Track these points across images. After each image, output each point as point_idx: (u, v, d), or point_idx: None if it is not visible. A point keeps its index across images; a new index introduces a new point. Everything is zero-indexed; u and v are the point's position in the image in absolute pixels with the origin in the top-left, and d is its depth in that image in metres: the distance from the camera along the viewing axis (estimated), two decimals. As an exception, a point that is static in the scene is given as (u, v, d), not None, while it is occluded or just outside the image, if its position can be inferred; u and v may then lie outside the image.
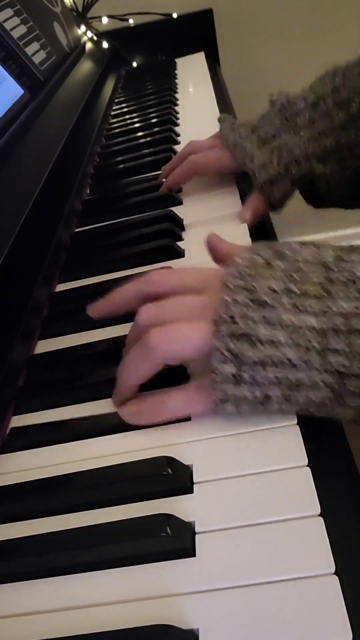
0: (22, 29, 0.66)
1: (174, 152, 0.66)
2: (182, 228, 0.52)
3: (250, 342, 0.28)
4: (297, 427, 0.30)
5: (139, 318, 0.33)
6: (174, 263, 0.47)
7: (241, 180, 0.55)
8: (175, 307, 0.32)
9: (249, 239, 0.46)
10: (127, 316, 0.42)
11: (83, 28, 0.98)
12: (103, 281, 0.47)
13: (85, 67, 0.87)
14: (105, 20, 1.10)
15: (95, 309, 0.38)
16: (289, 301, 0.28)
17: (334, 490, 0.27)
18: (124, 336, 0.39)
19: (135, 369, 0.32)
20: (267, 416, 0.31)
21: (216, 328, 0.29)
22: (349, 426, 0.30)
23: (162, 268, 0.39)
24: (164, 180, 0.59)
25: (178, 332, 0.30)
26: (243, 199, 0.53)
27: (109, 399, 0.35)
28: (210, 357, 0.29)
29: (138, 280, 0.35)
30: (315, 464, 0.28)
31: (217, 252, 0.36)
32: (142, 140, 0.73)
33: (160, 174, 0.60)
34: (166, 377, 0.33)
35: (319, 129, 0.48)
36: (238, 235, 0.47)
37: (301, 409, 0.29)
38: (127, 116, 0.84)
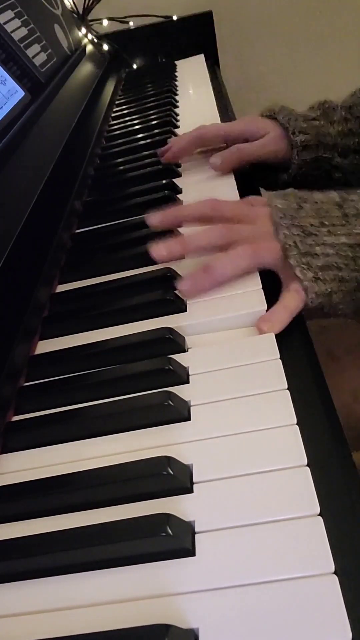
0: (23, 31, 0.67)
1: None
2: (182, 230, 0.52)
3: (312, 256, 0.38)
4: (297, 427, 0.30)
5: (222, 231, 0.42)
6: (174, 263, 0.47)
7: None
8: (245, 231, 0.42)
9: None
10: (127, 317, 0.42)
11: (83, 30, 0.98)
12: (103, 282, 0.47)
13: (86, 69, 0.87)
14: (105, 22, 1.11)
15: (156, 218, 0.45)
16: (325, 230, 0.39)
17: (334, 490, 0.27)
18: (124, 336, 0.39)
19: (234, 264, 0.40)
20: (267, 416, 0.31)
21: (288, 251, 0.39)
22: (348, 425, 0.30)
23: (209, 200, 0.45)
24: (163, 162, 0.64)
25: (259, 251, 0.40)
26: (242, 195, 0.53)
27: (109, 399, 0.36)
28: (295, 270, 0.38)
29: (203, 204, 0.44)
30: (314, 463, 0.28)
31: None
32: (142, 142, 0.73)
33: (160, 182, 0.60)
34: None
35: (350, 126, 0.57)
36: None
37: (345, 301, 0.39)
38: (128, 118, 0.84)
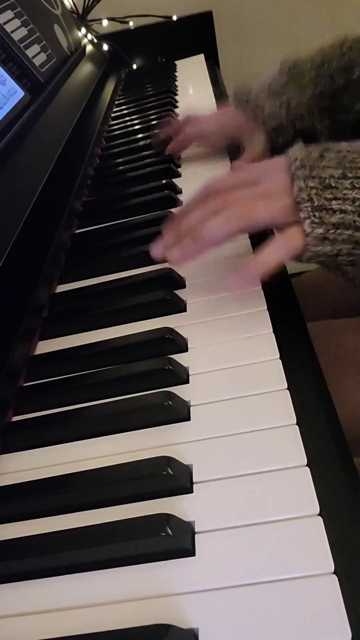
0: (23, 31, 0.67)
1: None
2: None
3: (327, 211, 0.35)
4: (297, 427, 0.30)
5: (211, 203, 0.39)
6: (174, 264, 0.47)
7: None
8: (240, 195, 0.38)
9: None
10: (127, 316, 0.42)
11: (83, 30, 0.98)
12: (103, 282, 0.47)
13: (86, 69, 0.87)
14: (105, 22, 1.11)
15: (160, 246, 0.41)
16: (347, 182, 0.35)
17: (333, 490, 0.27)
18: (124, 336, 0.39)
19: (223, 228, 0.38)
20: (267, 416, 0.31)
21: (300, 204, 0.35)
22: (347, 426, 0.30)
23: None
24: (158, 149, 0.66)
25: (270, 204, 0.37)
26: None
27: (109, 400, 0.36)
28: (303, 224, 0.35)
29: (198, 193, 0.41)
30: (314, 463, 0.28)
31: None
32: (142, 142, 0.73)
33: (160, 182, 0.61)
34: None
35: (321, 88, 0.55)
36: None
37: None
38: (127, 118, 0.84)
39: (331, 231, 0.35)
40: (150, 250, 0.42)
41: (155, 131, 0.68)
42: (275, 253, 0.37)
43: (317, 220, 0.35)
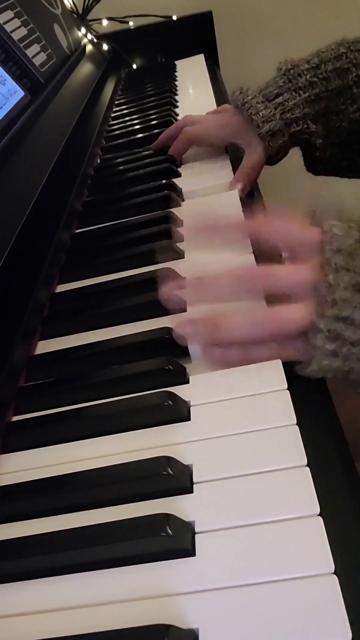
0: (23, 31, 0.67)
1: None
2: (182, 230, 0.52)
3: (349, 323, 0.30)
4: (297, 427, 0.30)
5: (242, 275, 0.34)
6: (174, 264, 0.47)
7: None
8: (279, 279, 0.33)
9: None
10: (127, 316, 0.42)
11: (83, 30, 0.98)
12: (103, 282, 0.47)
13: (86, 69, 0.87)
14: (105, 22, 1.11)
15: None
16: None
17: (334, 490, 0.27)
18: (124, 336, 0.39)
19: (239, 327, 0.33)
20: (267, 416, 0.31)
21: (321, 311, 0.30)
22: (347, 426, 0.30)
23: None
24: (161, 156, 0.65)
25: (285, 313, 0.32)
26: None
27: (109, 400, 0.36)
28: (313, 337, 0.31)
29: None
30: (314, 463, 0.28)
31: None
32: (142, 142, 0.73)
33: (160, 182, 0.61)
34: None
35: (316, 91, 0.54)
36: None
37: None
38: (127, 118, 0.84)
39: (344, 349, 0.30)
40: (161, 295, 0.38)
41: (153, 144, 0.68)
42: (266, 354, 0.33)
43: (330, 334, 0.30)
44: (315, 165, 0.62)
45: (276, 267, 0.34)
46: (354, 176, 0.65)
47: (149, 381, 0.35)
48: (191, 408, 0.33)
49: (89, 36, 1.01)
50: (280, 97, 0.55)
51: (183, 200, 0.57)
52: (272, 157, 0.57)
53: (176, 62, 1.09)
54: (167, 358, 0.36)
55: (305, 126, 0.55)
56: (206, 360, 0.35)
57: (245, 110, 0.56)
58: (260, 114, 0.55)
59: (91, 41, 1.01)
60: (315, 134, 0.56)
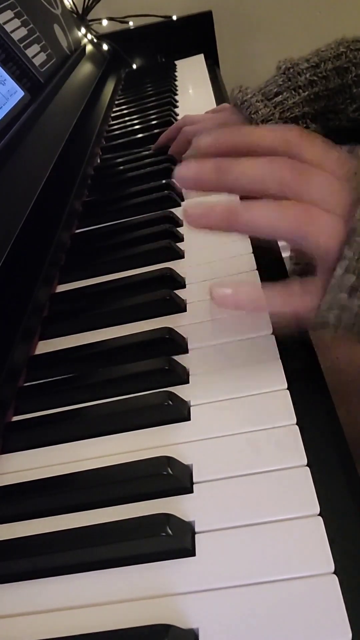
0: (23, 31, 0.66)
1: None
2: (182, 230, 0.52)
3: None
4: (297, 427, 0.30)
5: (277, 168, 0.29)
6: (174, 264, 0.47)
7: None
8: (316, 182, 0.29)
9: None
10: (127, 316, 0.42)
11: (83, 30, 0.98)
12: (103, 282, 0.47)
13: (86, 69, 0.87)
14: (105, 22, 1.11)
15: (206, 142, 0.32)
16: None
17: (334, 490, 0.27)
18: (124, 336, 0.39)
19: (252, 222, 0.29)
20: (267, 416, 0.31)
21: (352, 238, 0.28)
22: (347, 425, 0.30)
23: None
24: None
25: (316, 220, 0.28)
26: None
27: (109, 399, 0.35)
28: (337, 263, 0.28)
29: (275, 133, 0.31)
30: (314, 463, 0.28)
31: None
32: (142, 142, 0.73)
33: (160, 182, 0.61)
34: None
35: (316, 90, 0.54)
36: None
37: None
38: (127, 118, 0.84)
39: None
40: (176, 170, 0.31)
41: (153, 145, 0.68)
42: (281, 304, 0.31)
43: (354, 272, 0.27)
44: None
45: (313, 169, 0.29)
46: None
47: (149, 381, 0.35)
48: (191, 408, 0.33)
49: (89, 36, 1.01)
50: (280, 95, 0.55)
51: (183, 200, 0.57)
52: None
53: (176, 62, 1.09)
54: (167, 358, 0.36)
55: (305, 125, 0.55)
56: (215, 301, 0.31)
57: (244, 108, 0.56)
58: (260, 112, 0.55)
59: (91, 41, 1.01)
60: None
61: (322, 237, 0.28)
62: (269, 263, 0.43)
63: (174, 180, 0.33)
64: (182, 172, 0.31)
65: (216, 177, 0.30)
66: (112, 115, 0.88)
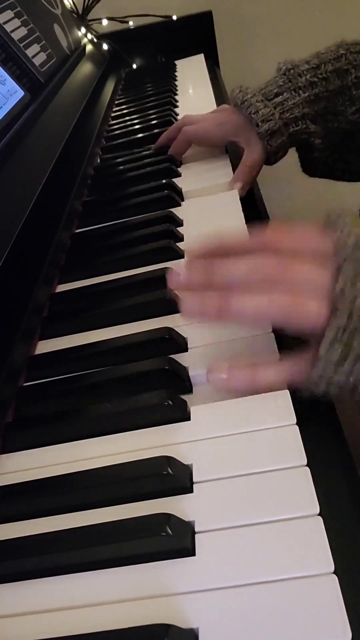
0: (23, 31, 0.66)
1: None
2: (182, 230, 0.52)
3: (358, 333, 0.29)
4: (297, 427, 0.30)
5: (260, 265, 0.32)
6: (174, 264, 0.47)
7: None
8: (297, 272, 0.31)
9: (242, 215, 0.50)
10: (127, 316, 0.42)
11: (83, 30, 0.98)
12: (103, 282, 0.47)
13: (86, 68, 0.87)
14: (105, 22, 1.11)
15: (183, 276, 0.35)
16: None
17: (334, 490, 0.27)
18: (124, 336, 0.39)
19: (242, 311, 0.31)
20: (267, 416, 0.31)
21: (334, 319, 0.29)
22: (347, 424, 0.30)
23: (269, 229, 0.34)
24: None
25: (300, 307, 0.30)
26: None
27: (109, 399, 0.35)
28: (321, 342, 0.29)
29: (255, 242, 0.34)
30: (314, 463, 0.28)
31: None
32: (142, 142, 0.73)
33: (160, 182, 0.61)
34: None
35: (316, 91, 0.55)
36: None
37: None
38: (127, 118, 0.84)
39: (356, 365, 0.29)
40: (168, 277, 0.35)
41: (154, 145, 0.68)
42: (274, 379, 0.32)
43: (339, 346, 0.29)
44: (312, 166, 0.62)
45: (294, 261, 0.32)
46: (349, 179, 0.65)
47: (149, 381, 0.35)
48: (191, 408, 0.33)
49: (89, 36, 1.01)
50: (280, 96, 0.55)
51: (183, 200, 0.57)
52: (271, 157, 0.57)
53: (176, 62, 1.09)
54: (167, 358, 0.36)
55: (305, 126, 0.55)
56: (211, 384, 0.33)
57: (244, 108, 0.56)
58: (260, 112, 0.55)
59: (91, 41, 1.01)
60: (314, 134, 0.56)
61: (307, 321, 0.30)
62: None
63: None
64: (187, 309, 0.34)
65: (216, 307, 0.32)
66: (112, 115, 0.88)
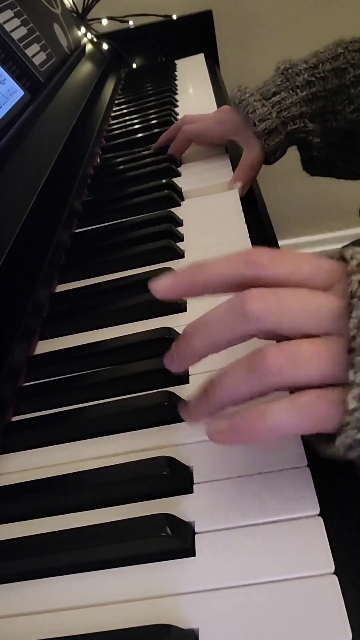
0: (23, 31, 0.66)
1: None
2: (182, 230, 0.52)
3: None
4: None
5: (248, 307, 0.25)
6: (174, 264, 0.47)
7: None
8: (297, 304, 0.24)
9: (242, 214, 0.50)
10: (127, 316, 0.42)
11: (83, 29, 0.98)
12: (103, 282, 0.47)
13: (86, 68, 0.87)
14: (105, 21, 1.10)
15: (163, 286, 0.28)
16: None
17: (334, 490, 0.27)
18: (124, 336, 0.39)
19: (235, 389, 0.25)
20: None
21: (353, 357, 0.22)
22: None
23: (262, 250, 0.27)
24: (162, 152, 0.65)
25: (305, 355, 0.23)
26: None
27: (109, 399, 0.35)
28: (345, 392, 0.23)
29: (234, 259, 0.27)
30: (314, 464, 0.28)
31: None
32: (142, 142, 0.73)
33: (160, 182, 0.61)
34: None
35: (314, 90, 0.55)
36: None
37: None
38: (127, 117, 0.84)
39: None
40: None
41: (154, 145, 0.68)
42: (290, 418, 0.24)
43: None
44: (312, 165, 0.62)
45: (291, 291, 0.25)
46: (349, 177, 0.65)
47: (149, 381, 0.35)
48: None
49: (89, 35, 1.01)
50: (278, 95, 0.55)
51: (183, 200, 0.57)
52: (270, 156, 0.57)
53: (176, 62, 1.09)
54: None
55: (302, 125, 0.55)
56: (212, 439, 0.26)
57: (242, 108, 0.56)
58: (257, 112, 0.55)
59: (91, 40, 1.01)
60: (312, 133, 0.56)
61: (315, 372, 0.24)
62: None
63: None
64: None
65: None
66: (112, 114, 0.88)
